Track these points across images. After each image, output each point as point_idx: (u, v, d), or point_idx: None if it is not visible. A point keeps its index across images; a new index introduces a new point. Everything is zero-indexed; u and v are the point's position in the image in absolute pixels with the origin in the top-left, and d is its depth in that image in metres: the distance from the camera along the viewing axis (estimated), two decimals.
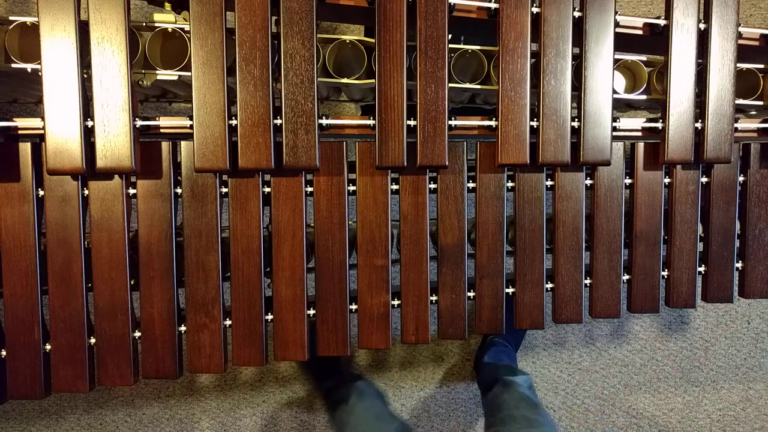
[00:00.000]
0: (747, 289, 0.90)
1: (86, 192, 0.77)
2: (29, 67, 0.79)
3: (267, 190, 0.79)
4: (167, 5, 0.84)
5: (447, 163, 0.78)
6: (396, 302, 0.82)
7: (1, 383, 0.79)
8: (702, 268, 0.88)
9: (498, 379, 1.21)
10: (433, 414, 1.50)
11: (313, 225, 0.81)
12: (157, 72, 0.83)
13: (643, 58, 0.90)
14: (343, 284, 0.81)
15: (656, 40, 0.83)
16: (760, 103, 0.90)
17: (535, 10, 0.77)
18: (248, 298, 0.80)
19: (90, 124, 0.73)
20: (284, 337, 0.81)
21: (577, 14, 0.78)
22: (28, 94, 1.04)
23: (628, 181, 0.84)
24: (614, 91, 0.80)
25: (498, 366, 1.31)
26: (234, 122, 0.74)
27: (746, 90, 0.91)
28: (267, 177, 0.79)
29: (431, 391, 1.50)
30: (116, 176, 0.76)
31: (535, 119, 0.78)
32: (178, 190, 0.78)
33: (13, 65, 0.79)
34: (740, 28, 0.82)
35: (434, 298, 0.83)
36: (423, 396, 1.50)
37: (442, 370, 1.51)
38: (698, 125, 0.81)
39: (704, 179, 0.86)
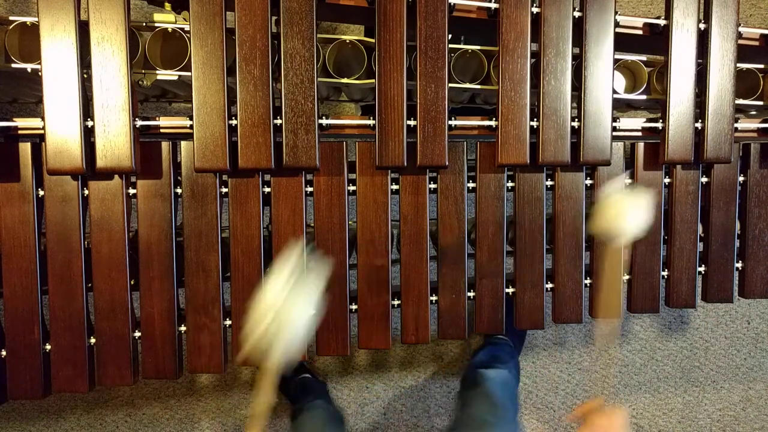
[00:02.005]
0: (747, 289, 0.89)
1: (86, 192, 0.77)
2: (29, 67, 0.79)
3: (267, 190, 0.79)
4: (167, 5, 0.84)
5: (447, 163, 0.78)
6: (396, 302, 0.82)
7: (1, 383, 0.79)
8: (702, 268, 0.88)
9: (476, 374, 1.16)
10: (433, 414, 1.50)
11: (313, 225, 0.81)
12: (157, 72, 0.83)
13: (643, 58, 0.90)
14: (343, 284, 0.81)
15: (656, 40, 0.83)
16: (760, 103, 0.90)
17: (535, 10, 0.77)
18: (248, 298, 0.80)
19: (90, 124, 0.73)
20: None
21: (577, 14, 0.78)
22: (28, 94, 1.04)
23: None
24: (614, 91, 0.80)
25: (481, 362, 1.26)
26: (234, 122, 0.74)
27: (746, 90, 0.90)
28: (267, 177, 0.79)
29: (431, 390, 1.50)
30: (116, 176, 0.76)
31: (535, 119, 0.78)
32: (178, 190, 0.78)
33: (13, 65, 0.79)
34: (740, 28, 0.82)
35: (434, 298, 0.83)
36: (423, 396, 1.50)
37: (442, 370, 1.50)
38: (698, 125, 0.81)
39: (704, 179, 0.86)
